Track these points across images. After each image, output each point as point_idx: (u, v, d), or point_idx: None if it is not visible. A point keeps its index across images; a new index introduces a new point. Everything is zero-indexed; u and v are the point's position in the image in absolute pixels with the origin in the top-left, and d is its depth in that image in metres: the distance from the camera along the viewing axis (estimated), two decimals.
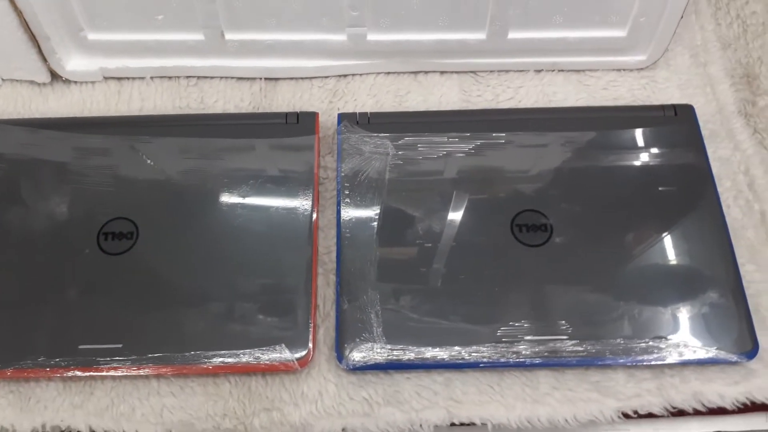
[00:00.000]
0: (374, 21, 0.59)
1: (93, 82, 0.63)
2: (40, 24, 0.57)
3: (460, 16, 0.58)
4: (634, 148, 0.57)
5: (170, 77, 0.63)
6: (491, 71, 0.63)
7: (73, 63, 0.62)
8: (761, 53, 0.64)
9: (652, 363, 0.49)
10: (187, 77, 0.63)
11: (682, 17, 0.59)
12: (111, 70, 0.62)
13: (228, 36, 0.60)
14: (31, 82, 0.63)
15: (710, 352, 0.49)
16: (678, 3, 0.57)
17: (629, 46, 0.61)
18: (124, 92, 0.63)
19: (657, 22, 0.59)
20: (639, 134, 0.57)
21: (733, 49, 0.64)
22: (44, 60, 0.61)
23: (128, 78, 0.63)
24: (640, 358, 0.49)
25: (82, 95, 0.63)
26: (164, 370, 0.49)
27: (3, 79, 0.63)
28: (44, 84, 0.63)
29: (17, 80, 0.63)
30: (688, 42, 0.65)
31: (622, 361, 0.49)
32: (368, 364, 0.49)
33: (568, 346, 0.49)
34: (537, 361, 0.49)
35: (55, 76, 0.63)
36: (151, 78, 0.63)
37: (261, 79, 0.63)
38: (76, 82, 0.63)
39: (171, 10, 0.58)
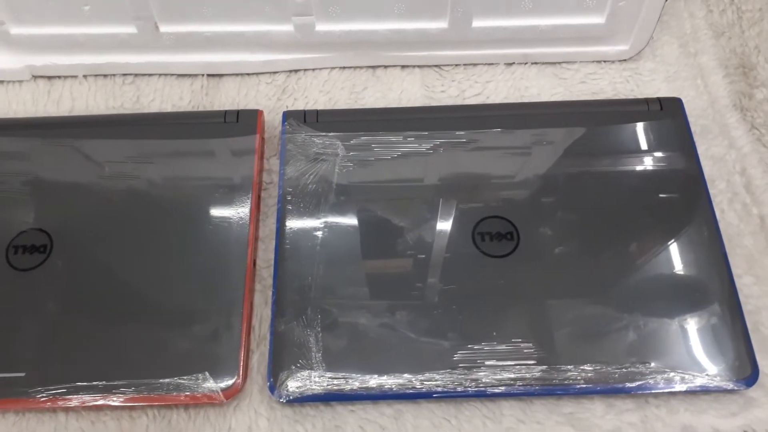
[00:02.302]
0: (322, 9, 0.53)
1: (20, 81, 0.57)
2: None
3: (418, 3, 0.53)
4: (615, 147, 0.51)
5: (105, 75, 0.58)
6: (456, 65, 0.57)
7: None
8: (758, 41, 0.57)
9: (635, 391, 0.42)
10: (123, 75, 0.57)
11: (666, 1, 0.53)
12: (39, 68, 0.57)
13: (163, 28, 0.54)
14: None
15: (702, 379, 0.42)
16: None
17: (609, 34, 0.55)
18: (54, 92, 0.57)
19: (638, 6, 0.53)
20: (620, 131, 0.51)
21: (727, 37, 0.58)
22: None
23: (59, 77, 0.58)
24: (620, 385, 0.42)
25: (7, 96, 0.57)
26: (73, 402, 0.42)
27: None
28: None
29: None
30: (676, 30, 0.58)
31: (599, 389, 0.42)
32: (305, 395, 0.42)
33: (536, 372, 0.42)
34: (500, 389, 0.42)
35: None
36: (84, 76, 0.57)
37: (203, 75, 0.57)
38: (2, 81, 0.57)
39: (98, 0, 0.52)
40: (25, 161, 0.51)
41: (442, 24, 0.54)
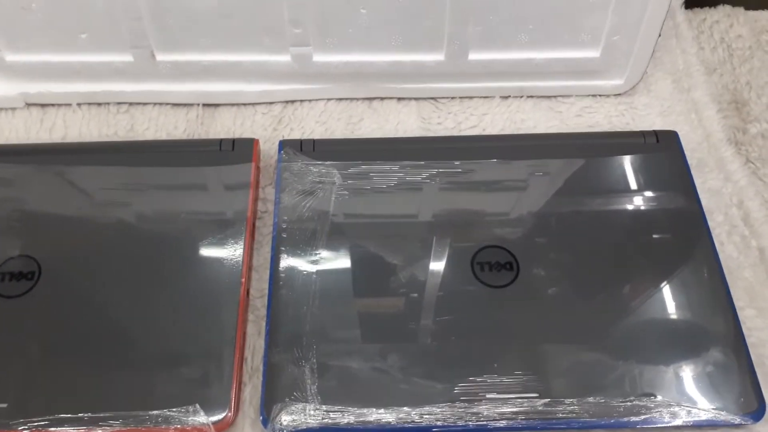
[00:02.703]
0: (320, 40, 0.53)
1: (13, 109, 0.57)
2: None
3: (415, 35, 0.53)
4: (612, 178, 0.50)
5: (99, 104, 0.57)
6: (452, 97, 0.58)
7: None
8: (750, 78, 0.58)
9: (640, 425, 0.41)
10: (118, 103, 0.57)
11: (659, 36, 0.53)
12: (33, 96, 0.56)
13: (159, 57, 0.54)
14: None
15: (708, 413, 0.41)
16: (654, 19, 0.52)
17: (604, 68, 0.55)
18: (47, 120, 0.57)
19: (633, 41, 0.54)
20: (617, 162, 0.51)
21: (719, 74, 0.59)
22: None
23: (53, 104, 0.57)
24: (624, 419, 0.41)
25: (0, 122, 0.56)
26: None
27: None
28: None
29: None
30: (669, 66, 0.59)
31: (603, 422, 0.41)
32: (299, 429, 0.41)
33: (539, 405, 0.41)
34: (501, 423, 0.41)
35: None
36: (78, 104, 0.57)
37: (198, 105, 0.57)
38: None
39: (95, 28, 0.52)
40: (16, 188, 0.50)
41: (438, 56, 0.54)
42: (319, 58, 0.54)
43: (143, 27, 0.52)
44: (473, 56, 0.54)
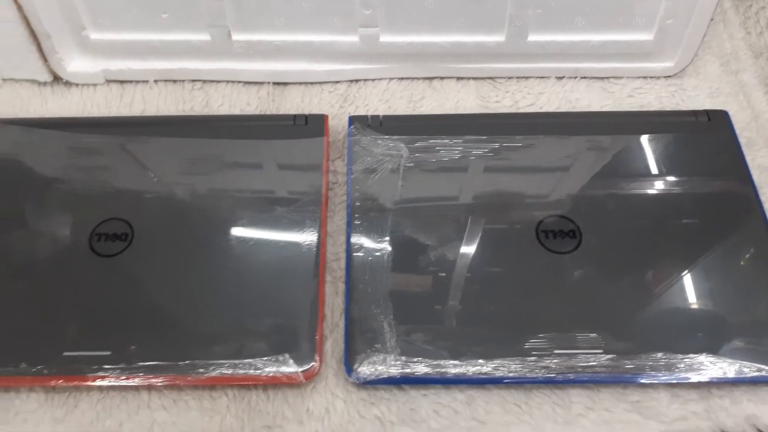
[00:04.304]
0: (388, 21, 0.56)
1: (94, 85, 0.60)
2: (41, 20, 0.55)
3: (477, 17, 0.56)
4: (666, 155, 0.53)
5: (174, 81, 0.60)
6: (509, 77, 0.60)
7: (75, 64, 0.59)
8: None
9: (699, 381, 0.44)
10: (192, 81, 0.60)
11: (712, 20, 0.56)
12: (113, 72, 0.60)
13: (235, 36, 0.57)
14: (31, 83, 0.60)
15: (765, 370, 0.44)
16: (707, 4, 0.55)
17: (656, 51, 0.58)
18: (126, 95, 0.60)
19: (685, 24, 0.56)
20: (671, 139, 0.54)
21: (766, 57, 0.61)
22: (44, 59, 0.58)
23: (131, 81, 0.60)
24: (684, 375, 0.44)
25: (82, 98, 0.60)
26: (156, 380, 0.44)
27: (3, 79, 0.60)
28: (44, 85, 0.60)
29: (17, 80, 0.60)
30: (716, 50, 0.62)
31: (664, 378, 0.44)
32: (380, 377, 0.44)
33: (604, 360, 0.44)
34: (570, 377, 0.44)
35: (56, 77, 0.60)
36: (155, 81, 0.60)
37: (269, 83, 0.60)
38: (76, 84, 0.60)
39: (176, 7, 0.55)
40: (106, 156, 0.53)
41: (499, 37, 0.57)
42: (385, 38, 0.57)
43: (222, 7, 0.55)
44: (532, 38, 0.57)
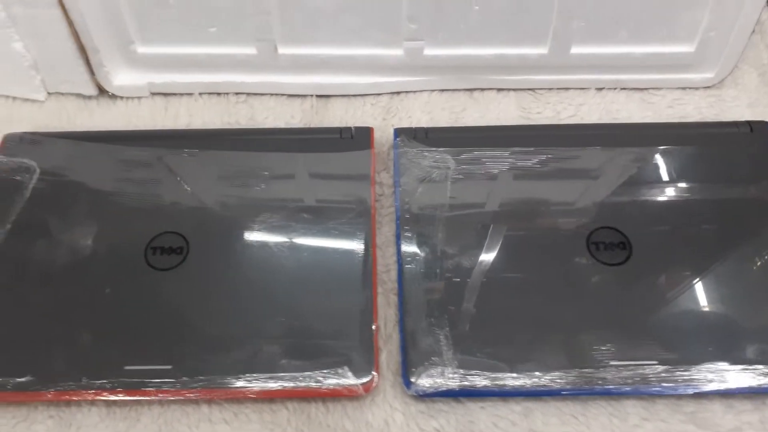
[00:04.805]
0: (432, 34, 0.57)
1: (139, 98, 0.61)
2: (91, 35, 0.56)
3: (521, 30, 0.56)
4: (712, 165, 0.54)
5: (219, 94, 0.61)
6: (550, 88, 0.61)
7: (121, 77, 0.60)
8: None
9: (753, 392, 0.44)
10: (237, 94, 0.61)
11: (753, 32, 0.57)
12: (158, 85, 0.60)
13: (281, 50, 0.58)
14: (77, 96, 0.61)
15: None
16: (749, 16, 0.55)
17: (697, 62, 0.59)
18: (171, 108, 0.61)
19: (727, 36, 0.57)
20: (716, 151, 0.54)
21: None
22: (92, 73, 0.59)
23: (175, 94, 0.61)
24: (738, 386, 0.44)
25: (127, 110, 0.61)
26: (217, 394, 0.44)
27: (49, 93, 0.61)
28: (90, 98, 0.61)
29: (63, 94, 0.61)
30: (753, 61, 0.62)
31: (718, 389, 0.44)
32: (439, 390, 0.44)
33: (659, 372, 0.45)
34: (624, 388, 0.44)
35: (101, 90, 0.61)
36: (200, 94, 0.61)
37: (312, 96, 0.61)
38: (122, 97, 0.61)
39: (224, 22, 0.56)
40: (157, 169, 0.54)
41: (542, 50, 0.58)
42: (429, 51, 0.58)
43: (270, 21, 0.56)
44: (575, 50, 0.57)
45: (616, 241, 0.50)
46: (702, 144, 0.55)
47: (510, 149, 0.54)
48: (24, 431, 0.45)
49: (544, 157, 0.54)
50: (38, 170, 0.54)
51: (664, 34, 0.57)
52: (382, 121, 0.60)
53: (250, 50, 0.58)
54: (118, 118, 0.60)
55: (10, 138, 0.56)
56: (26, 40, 0.57)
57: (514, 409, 0.45)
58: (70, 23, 0.55)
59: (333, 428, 0.45)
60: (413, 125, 0.59)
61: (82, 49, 0.57)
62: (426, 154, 0.54)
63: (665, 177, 0.53)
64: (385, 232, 0.53)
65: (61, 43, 0.56)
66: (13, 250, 0.50)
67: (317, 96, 0.61)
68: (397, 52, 0.58)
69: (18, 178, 0.53)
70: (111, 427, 0.45)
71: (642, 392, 0.45)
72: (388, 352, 0.48)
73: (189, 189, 0.52)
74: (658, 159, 0.54)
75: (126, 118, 0.60)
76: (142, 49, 0.58)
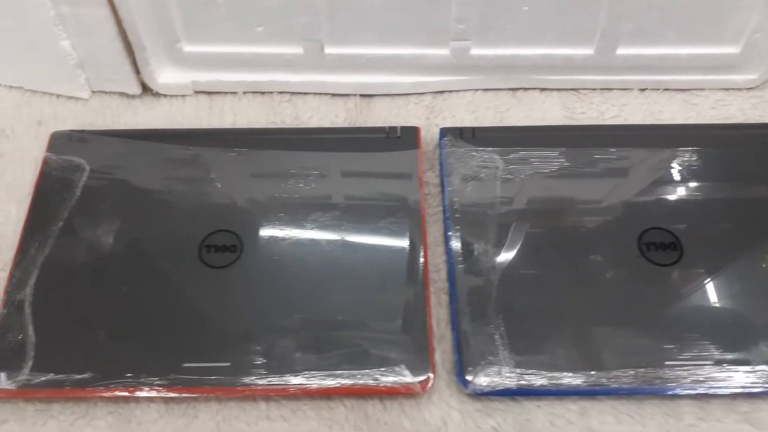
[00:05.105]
0: (479, 34, 0.57)
1: (183, 96, 0.61)
2: (138, 33, 0.56)
3: (569, 30, 0.57)
4: (756, 166, 0.54)
5: (263, 93, 0.61)
6: (593, 89, 0.61)
7: (165, 76, 0.60)
8: None
9: None
10: (281, 93, 0.61)
11: None
12: (202, 84, 0.61)
13: (328, 50, 0.58)
14: (120, 95, 0.61)
15: None
16: None
17: (741, 63, 0.59)
18: (215, 107, 0.61)
19: None
20: (759, 152, 0.55)
21: None
22: (137, 71, 0.59)
23: (219, 92, 0.61)
24: None
25: (171, 109, 0.61)
26: (275, 391, 0.45)
27: (92, 91, 0.61)
28: (133, 97, 0.61)
29: (106, 92, 0.61)
30: None
31: None
32: (496, 389, 0.45)
33: (714, 372, 0.45)
34: (680, 388, 0.45)
35: (145, 88, 0.61)
36: (243, 93, 0.61)
37: (356, 95, 0.61)
38: (165, 96, 0.61)
39: (272, 21, 0.56)
40: (207, 168, 0.54)
41: (588, 50, 0.58)
42: (476, 51, 0.58)
43: (318, 21, 0.56)
44: (621, 51, 0.58)
45: (668, 241, 0.50)
46: (747, 145, 0.55)
47: (558, 149, 0.55)
48: (84, 427, 0.45)
49: (592, 157, 0.54)
50: (88, 168, 0.54)
51: (710, 35, 0.57)
52: (426, 120, 0.60)
53: (297, 50, 0.58)
54: (162, 116, 0.60)
55: (58, 136, 0.56)
56: (73, 38, 0.57)
57: (570, 407, 0.45)
58: (119, 21, 0.55)
59: (391, 426, 0.45)
60: (457, 125, 0.59)
61: (128, 48, 0.57)
62: (474, 153, 0.55)
63: (712, 178, 0.53)
64: (433, 231, 0.53)
65: (108, 42, 0.56)
66: (68, 248, 0.50)
67: (360, 95, 0.61)
68: (442, 51, 0.58)
69: (68, 176, 0.54)
70: (170, 423, 0.45)
71: (697, 392, 0.45)
72: (442, 351, 0.48)
73: (240, 188, 0.53)
74: (705, 160, 0.54)
75: (170, 116, 0.60)
76: (187, 48, 0.58)
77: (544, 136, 0.56)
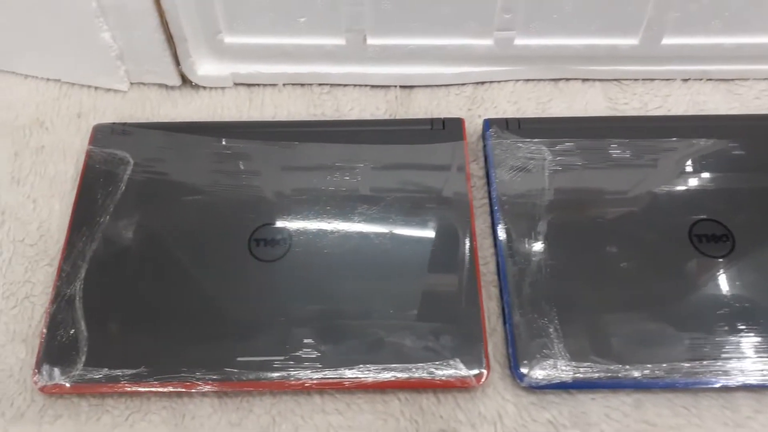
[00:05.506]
0: (525, 24, 0.56)
1: (222, 88, 0.61)
2: (181, 25, 0.56)
3: (614, 20, 0.56)
4: None
5: (302, 84, 0.61)
6: (635, 79, 0.61)
7: (205, 67, 0.60)
8: None
9: None
10: (320, 85, 0.61)
11: None
12: (242, 76, 0.60)
13: (370, 41, 0.57)
14: (159, 87, 0.61)
15: None
16: None
17: None
18: (255, 99, 0.60)
19: None
20: None
21: None
22: (177, 63, 0.59)
23: (258, 84, 0.61)
24: None
25: (211, 101, 0.60)
26: (329, 385, 0.45)
27: (132, 83, 0.61)
28: (172, 89, 0.61)
29: (145, 84, 0.61)
30: None
31: None
32: (552, 382, 0.45)
33: None
34: (736, 381, 0.44)
35: (184, 80, 0.60)
36: (283, 85, 0.61)
37: (395, 86, 0.61)
38: (204, 88, 0.61)
39: (315, 11, 0.56)
40: (252, 161, 0.54)
41: (633, 41, 0.57)
42: (520, 41, 0.57)
43: (362, 12, 0.55)
44: (666, 41, 0.57)
45: (719, 233, 0.50)
46: None
47: (606, 140, 0.54)
48: (138, 422, 0.45)
49: (640, 148, 0.54)
50: (132, 162, 0.54)
51: (756, 24, 0.56)
52: (467, 111, 0.60)
53: (339, 41, 0.57)
54: (201, 108, 0.60)
55: (100, 129, 0.56)
56: (114, 30, 0.57)
57: (625, 400, 0.45)
58: (161, 13, 0.55)
59: (446, 419, 0.45)
60: (499, 116, 0.59)
61: (169, 39, 0.57)
62: (520, 145, 0.54)
63: (758, 169, 0.53)
64: (479, 224, 0.53)
65: (150, 33, 0.56)
66: (116, 242, 0.50)
67: (401, 86, 0.60)
68: (486, 42, 0.58)
69: (112, 169, 0.53)
70: (224, 417, 0.45)
71: (754, 385, 0.45)
72: (494, 345, 0.48)
73: (286, 181, 0.52)
74: (752, 151, 0.54)
75: (210, 108, 0.60)
76: (228, 39, 0.58)
77: (591, 127, 0.55)
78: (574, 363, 0.45)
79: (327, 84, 0.61)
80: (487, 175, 0.54)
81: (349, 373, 0.45)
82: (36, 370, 0.45)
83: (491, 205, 0.53)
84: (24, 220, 0.54)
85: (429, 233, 0.50)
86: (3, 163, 0.57)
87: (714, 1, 0.54)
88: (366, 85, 0.61)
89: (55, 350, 0.46)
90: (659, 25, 0.56)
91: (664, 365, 0.45)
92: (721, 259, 0.49)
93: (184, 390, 0.45)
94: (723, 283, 0.48)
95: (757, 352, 0.45)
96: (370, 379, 0.44)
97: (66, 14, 0.55)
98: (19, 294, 0.50)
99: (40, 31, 0.57)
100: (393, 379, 0.45)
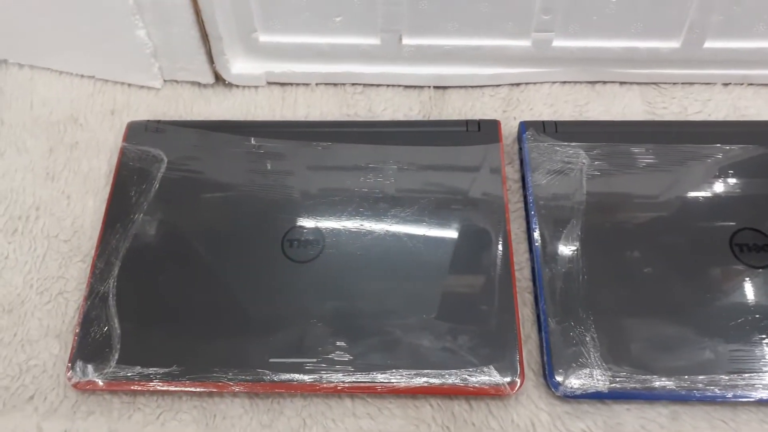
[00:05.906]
0: (564, 26, 0.55)
1: (255, 87, 0.61)
2: (216, 23, 0.55)
3: (656, 22, 0.55)
4: None
5: (335, 84, 0.60)
6: (675, 83, 0.59)
7: (239, 66, 0.60)
8: None
9: None
10: (353, 84, 0.60)
11: None
12: (276, 75, 0.60)
13: (405, 41, 0.57)
14: (192, 85, 0.61)
15: None
16: None
17: None
18: (287, 98, 0.60)
19: None
20: None
21: None
22: (211, 61, 0.59)
23: (291, 84, 0.61)
24: None
25: (244, 99, 0.60)
26: (361, 389, 0.44)
27: (165, 80, 0.61)
28: (205, 86, 0.61)
29: (178, 81, 0.61)
30: None
31: None
32: (587, 392, 0.44)
33: None
34: None
35: (217, 78, 0.60)
36: (316, 84, 0.60)
37: (429, 87, 0.60)
38: (238, 86, 0.61)
39: (351, 11, 0.55)
40: (286, 161, 0.53)
41: (674, 44, 0.56)
42: (558, 43, 0.56)
43: (399, 12, 0.55)
44: (708, 44, 0.56)
45: (761, 243, 0.48)
46: None
47: (645, 145, 0.53)
48: (169, 420, 0.45)
49: (679, 154, 0.53)
50: (166, 160, 0.54)
51: None
52: (503, 113, 0.59)
53: (374, 41, 0.57)
54: (235, 107, 0.60)
55: (134, 126, 0.56)
56: (150, 27, 0.57)
57: (661, 411, 0.44)
58: (197, 11, 0.55)
59: (478, 427, 0.44)
60: (536, 118, 0.58)
61: (204, 37, 0.57)
62: (557, 148, 0.53)
63: None
64: (514, 228, 0.52)
65: (185, 31, 0.56)
66: (150, 240, 0.50)
67: (435, 87, 0.60)
68: (524, 43, 0.57)
69: (146, 167, 0.53)
70: (255, 418, 0.45)
71: None
72: (528, 352, 0.47)
73: (320, 181, 0.52)
74: None
75: (243, 107, 0.60)
76: (263, 38, 0.58)
77: (629, 132, 0.54)
78: (610, 373, 0.44)
79: (360, 84, 0.60)
80: (523, 179, 0.53)
81: (381, 377, 0.44)
82: (69, 366, 0.46)
83: (527, 210, 0.52)
84: (58, 216, 0.54)
85: (463, 237, 0.50)
86: (38, 159, 0.57)
87: (758, 5, 0.53)
88: (399, 86, 0.60)
89: (89, 347, 0.46)
90: (701, 28, 0.54)
91: (703, 377, 0.44)
92: (762, 270, 0.47)
93: (215, 390, 0.45)
94: (764, 294, 0.47)
95: None
96: (402, 384, 0.44)
97: (102, 11, 0.55)
98: (53, 290, 0.51)
99: (75, 28, 0.57)
100: (425, 384, 0.44)
